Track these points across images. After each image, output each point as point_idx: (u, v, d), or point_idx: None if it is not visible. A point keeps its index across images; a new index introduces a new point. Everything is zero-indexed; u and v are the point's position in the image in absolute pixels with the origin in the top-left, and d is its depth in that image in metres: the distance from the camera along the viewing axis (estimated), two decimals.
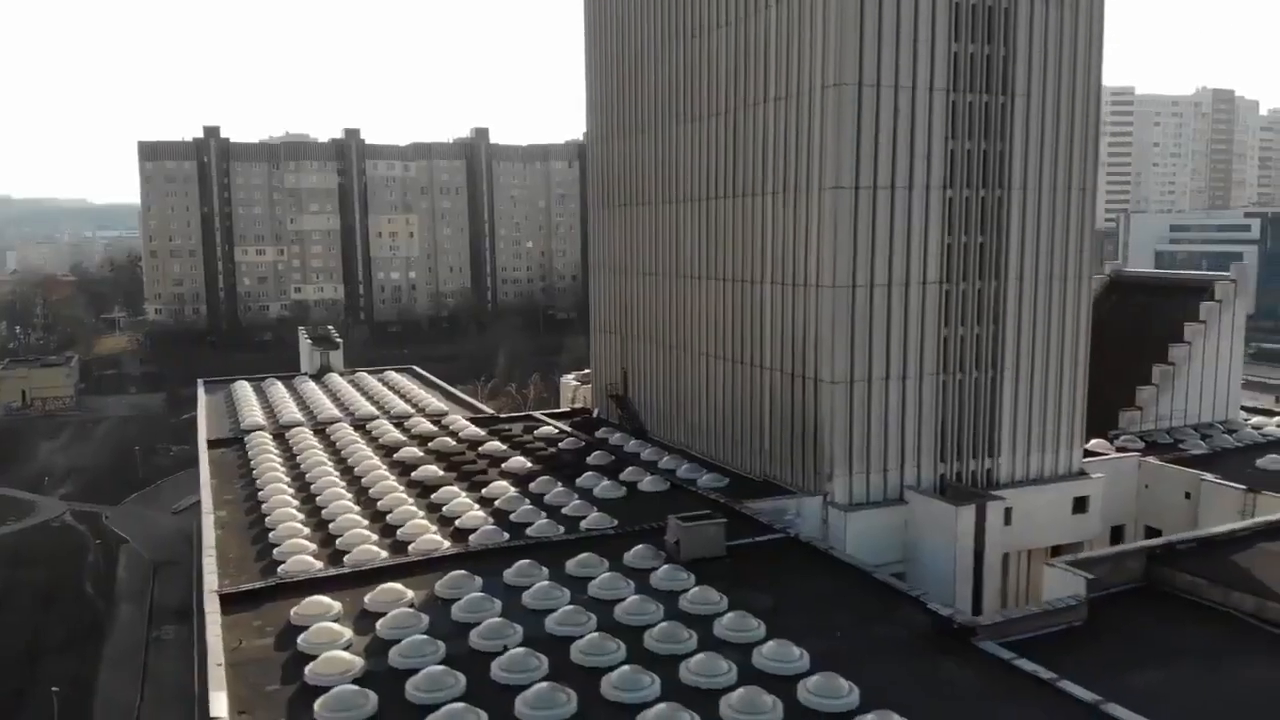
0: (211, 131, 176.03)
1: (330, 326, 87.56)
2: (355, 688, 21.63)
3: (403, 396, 63.23)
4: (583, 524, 34.77)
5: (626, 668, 22.41)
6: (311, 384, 68.04)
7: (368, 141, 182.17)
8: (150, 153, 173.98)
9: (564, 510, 36.49)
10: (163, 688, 60.50)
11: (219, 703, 21.27)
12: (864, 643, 25.42)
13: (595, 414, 58.47)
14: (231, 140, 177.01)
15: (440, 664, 22.91)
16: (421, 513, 35.87)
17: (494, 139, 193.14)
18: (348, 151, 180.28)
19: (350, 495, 38.47)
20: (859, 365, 37.04)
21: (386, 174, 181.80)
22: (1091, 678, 22.44)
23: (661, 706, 20.44)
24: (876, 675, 22.74)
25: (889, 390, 37.58)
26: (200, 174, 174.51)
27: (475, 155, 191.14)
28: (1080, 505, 40.39)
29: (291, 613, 26.33)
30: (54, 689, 58.42)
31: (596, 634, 24.33)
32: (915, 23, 35.97)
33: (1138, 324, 55.05)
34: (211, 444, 50.63)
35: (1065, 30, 38.83)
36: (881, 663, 24.03)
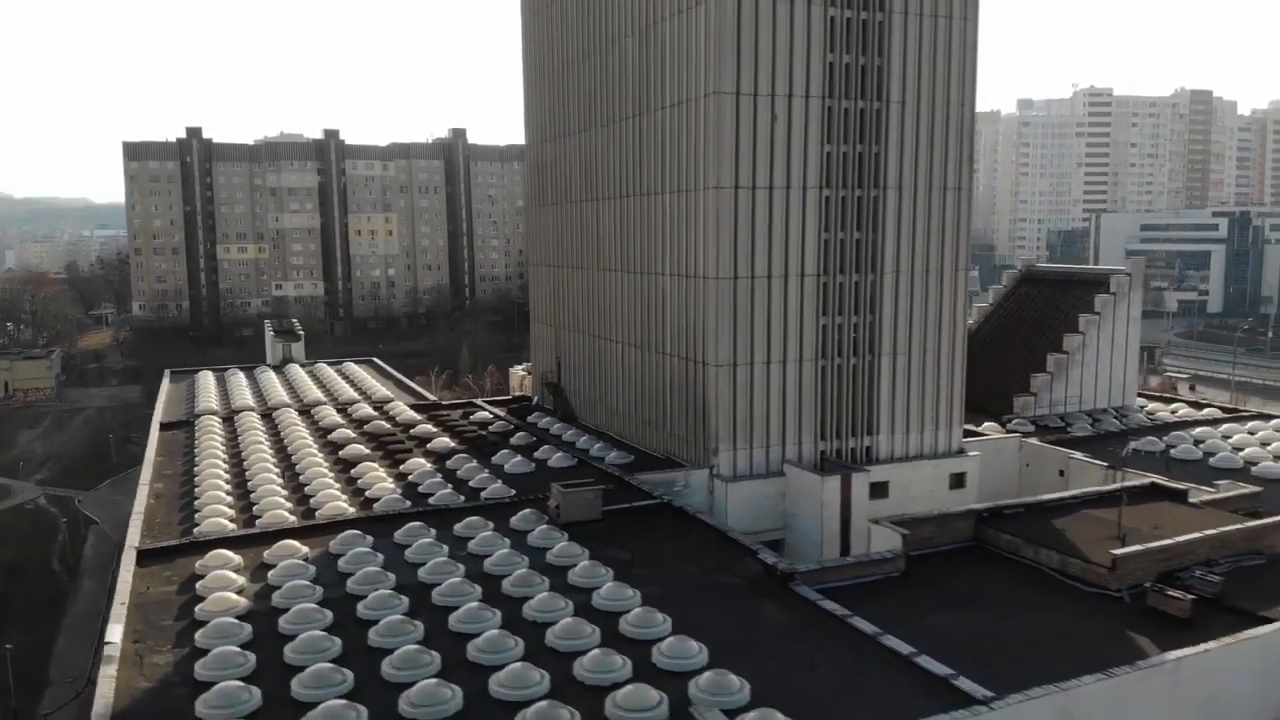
0: (194, 132, 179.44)
1: (295, 320, 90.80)
2: (235, 620, 24.92)
3: (354, 385, 66.44)
4: (483, 494, 38.08)
5: (474, 604, 25.76)
6: (271, 374, 71.12)
7: (348, 142, 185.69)
8: (134, 153, 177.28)
9: (470, 483, 39.80)
10: None
11: (114, 632, 24.55)
12: (700, 587, 28.74)
13: (535, 401, 61.79)
14: (214, 140, 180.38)
15: (315, 603, 26.19)
16: (337, 485, 39.15)
17: (472, 139, 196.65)
18: (327, 151, 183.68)
19: (276, 470, 41.73)
20: (741, 350, 40.33)
21: (366, 173, 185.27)
22: (890, 618, 25.71)
23: (492, 633, 23.76)
24: (700, 613, 26.08)
25: (770, 373, 40.88)
26: (183, 174, 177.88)
27: (453, 155, 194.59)
28: (958, 481, 43.74)
29: (196, 565, 29.60)
30: (7, 646, 61.59)
31: (458, 579, 27.66)
32: (791, 35, 39.22)
33: (1042, 315, 58.52)
34: (164, 426, 53.90)
35: (939, 42, 42.03)
36: (708, 602, 27.38)
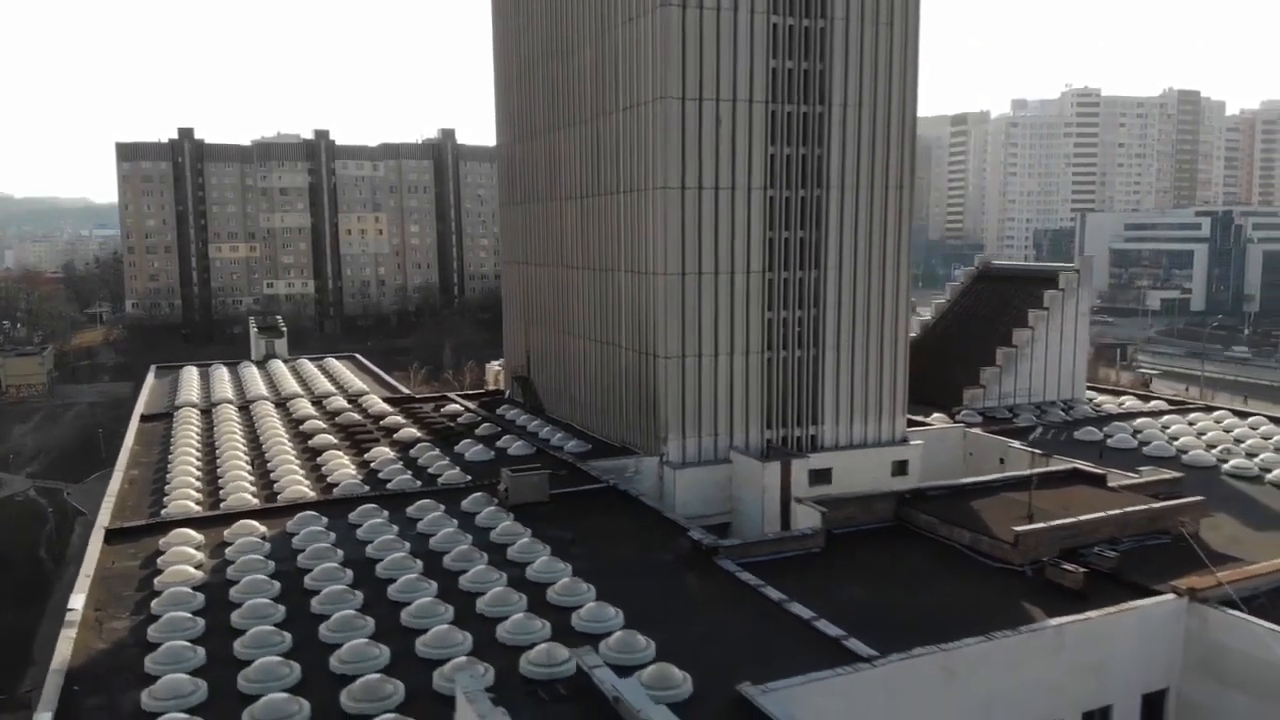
0: (186, 133, 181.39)
1: (279, 316, 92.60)
2: (189, 590, 26.79)
3: (332, 380, 68.34)
4: (439, 479, 39.96)
5: (413, 576, 27.64)
6: (253, 369, 72.98)
7: (338, 142, 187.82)
8: (127, 153, 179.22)
9: (429, 469, 41.68)
10: None
11: (77, 600, 26.43)
12: (631, 562, 30.64)
13: (506, 394, 63.67)
14: (205, 141, 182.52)
15: (265, 575, 28.07)
16: (301, 471, 41.03)
17: (461, 139, 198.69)
18: (318, 152, 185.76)
19: (246, 458, 43.60)
20: (689, 343, 42.22)
21: (356, 173, 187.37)
22: (802, 589, 27.58)
23: (425, 600, 25.65)
24: (626, 584, 27.93)
25: (717, 365, 42.76)
26: (175, 174, 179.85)
27: (442, 155, 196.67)
28: (901, 468, 45.63)
29: (160, 542, 31.48)
30: None
31: (401, 554, 29.55)
32: (735, 43, 41.08)
33: (995, 311, 60.45)
34: (144, 418, 55.86)
35: (880, 47, 43.88)
36: (635, 575, 29.27)
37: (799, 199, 43.25)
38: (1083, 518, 30.93)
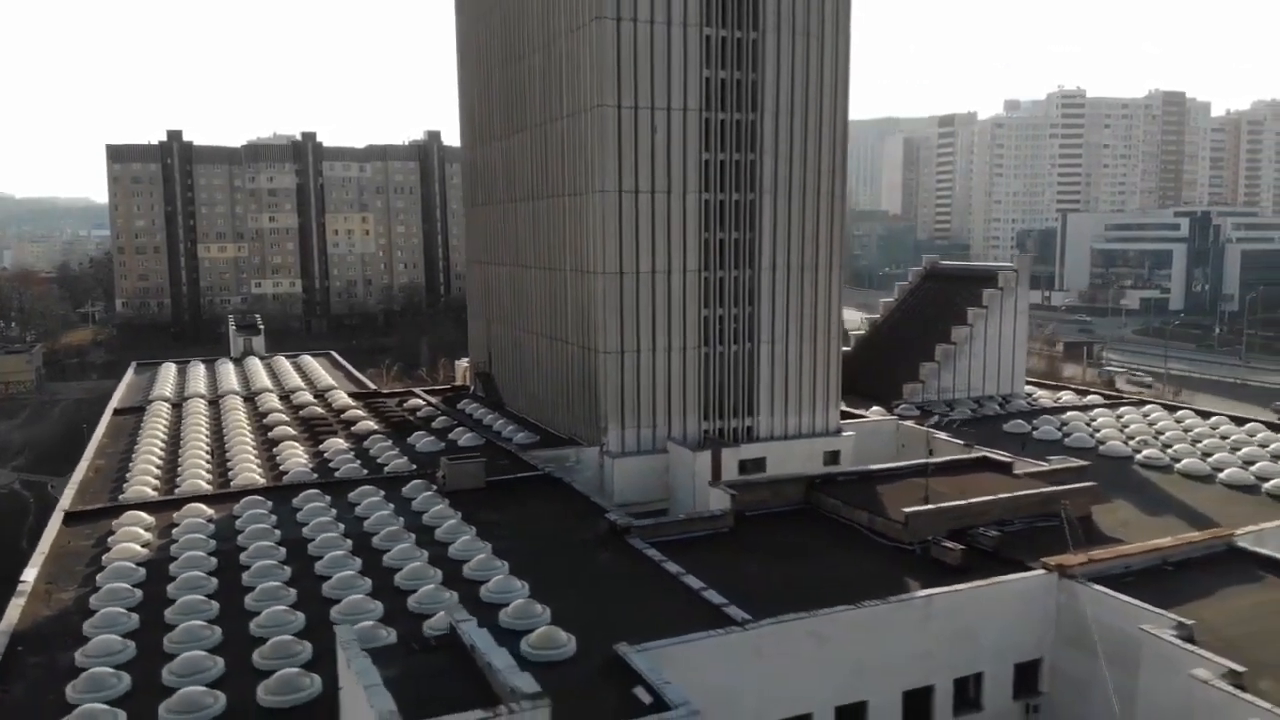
0: (174, 135, 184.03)
1: (257, 315, 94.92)
2: (131, 565, 28.98)
3: (304, 376, 70.43)
4: (386, 468, 42.12)
5: (340, 553, 29.82)
6: (230, 365, 75.08)
7: (326, 144, 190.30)
8: (117, 155, 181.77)
9: (379, 459, 43.85)
10: None
11: (30, 574, 28.65)
12: (551, 541, 32.79)
13: (471, 390, 65.85)
14: (194, 143, 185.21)
15: (205, 553, 30.25)
16: (256, 460, 43.19)
17: (446, 141, 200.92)
18: (305, 154, 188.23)
19: (206, 448, 45.77)
20: (628, 339, 44.41)
21: (343, 175, 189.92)
22: (705, 565, 29.70)
23: (346, 573, 27.84)
24: (541, 560, 30.19)
25: (655, 360, 44.95)
26: (165, 175, 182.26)
27: (428, 156, 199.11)
28: (833, 458, 47.85)
29: (113, 523, 33.64)
30: None
31: (334, 535, 31.73)
32: (669, 53, 43.24)
33: (940, 309, 62.63)
34: (117, 411, 58.15)
35: (811, 57, 46.03)
36: (552, 553, 31.45)
37: (734, 202, 45.41)
38: (972, 500, 33.12)
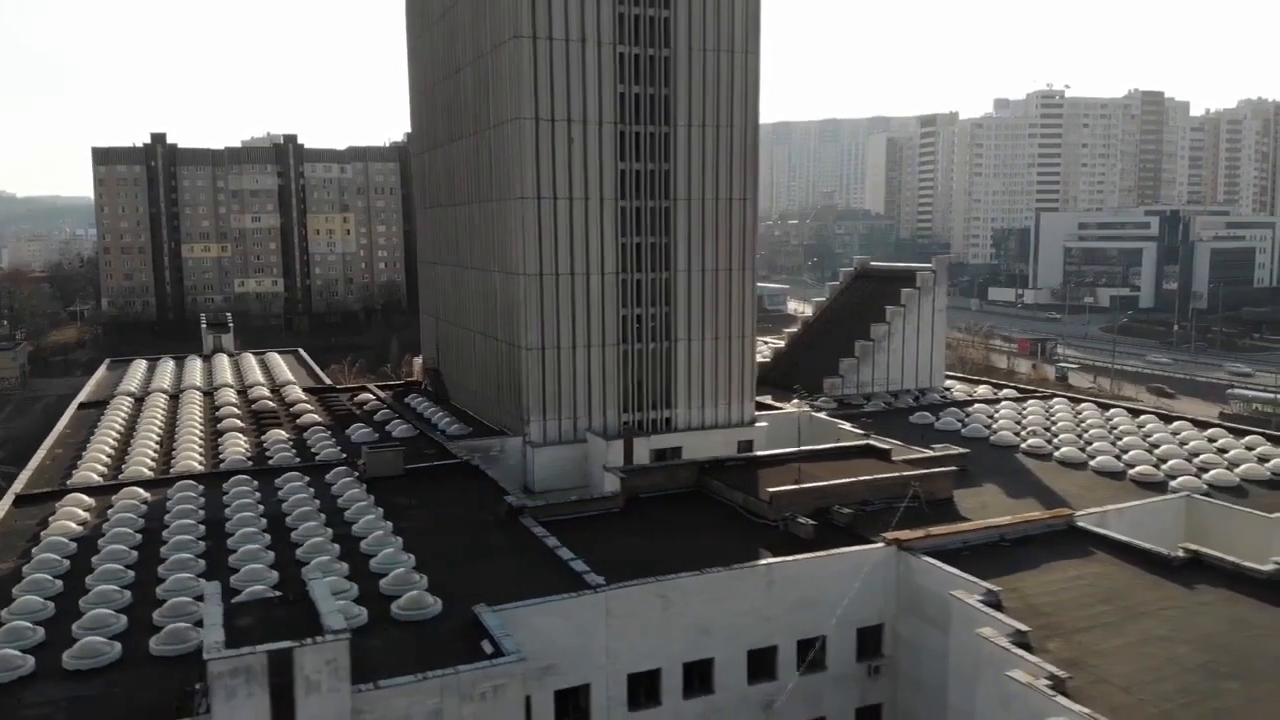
0: (158, 138, 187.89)
1: (228, 314, 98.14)
2: (64, 539, 32.24)
3: (266, 372, 73.54)
4: (318, 456, 45.34)
5: (251, 530, 33.08)
6: (197, 362, 78.24)
7: (306, 146, 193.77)
8: (103, 157, 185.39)
9: (314, 449, 47.06)
10: None
11: None
12: (453, 522, 36.00)
13: (423, 385, 69.03)
14: (178, 146, 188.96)
15: (132, 530, 33.49)
16: (199, 449, 46.42)
17: None
18: (286, 155, 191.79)
19: (156, 438, 48.99)
20: (549, 335, 47.62)
21: (324, 176, 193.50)
22: (586, 541, 32.90)
23: (250, 546, 31.09)
24: (437, 537, 33.44)
25: (575, 356, 48.16)
26: (149, 177, 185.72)
27: (408, 157, 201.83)
28: (746, 447, 50.97)
29: (56, 505, 36.87)
30: None
31: (250, 514, 34.99)
32: (584, 70, 46.42)
33: (865, 307, 65.88)
34: (82, 405, 61.39)
35: (722, 73, 49.18)
36: (451, 532, 34.66)
37: (649, 209, 48.60)
38: (834, 482, 36.40)
